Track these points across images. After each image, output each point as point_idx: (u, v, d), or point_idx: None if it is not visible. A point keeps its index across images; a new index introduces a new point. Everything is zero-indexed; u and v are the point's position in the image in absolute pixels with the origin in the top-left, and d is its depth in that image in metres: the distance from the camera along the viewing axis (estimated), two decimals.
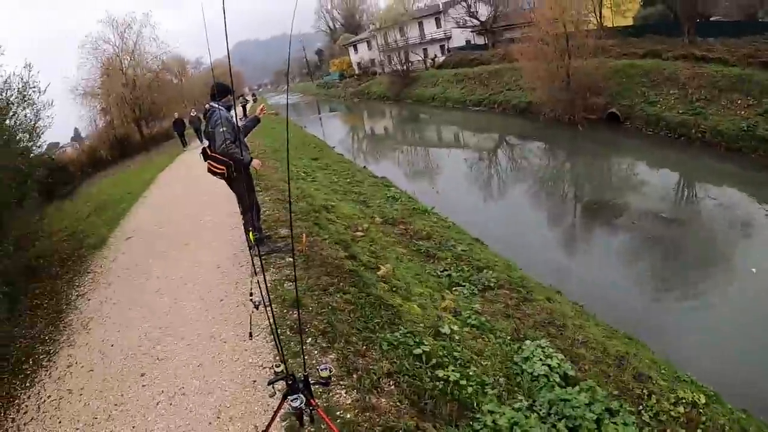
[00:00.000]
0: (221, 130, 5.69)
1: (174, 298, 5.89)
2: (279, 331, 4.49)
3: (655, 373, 6.05)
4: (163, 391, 4.12)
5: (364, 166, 20.15)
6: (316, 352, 4.17)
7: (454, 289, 7.68)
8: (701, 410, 5.34)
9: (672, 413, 5.21)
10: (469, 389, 4.33)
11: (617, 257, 11.22)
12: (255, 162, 5.95)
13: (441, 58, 48.65)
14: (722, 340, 7.82)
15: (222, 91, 6.14)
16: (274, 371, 2.55)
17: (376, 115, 46.01)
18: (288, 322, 4.63)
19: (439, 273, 8.33)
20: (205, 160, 5.97)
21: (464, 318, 6.37)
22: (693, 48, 23.43)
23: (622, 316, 8.25)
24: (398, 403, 3.74)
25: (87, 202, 16.18)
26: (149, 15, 31.33)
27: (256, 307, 4.87)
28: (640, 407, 5.16)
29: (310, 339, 4.36)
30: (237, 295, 5.49)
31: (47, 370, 5.02)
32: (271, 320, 2.64)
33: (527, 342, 5.80)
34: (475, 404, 4.20)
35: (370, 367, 4.08)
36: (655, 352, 6.98)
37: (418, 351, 4.58)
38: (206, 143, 6.22)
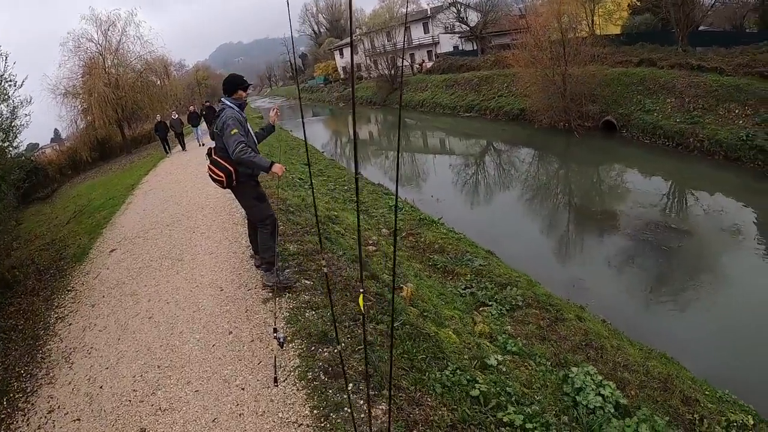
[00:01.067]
0: (232, 132, 4.74)
1: (171, 328, 4.98)
2: (311, 375, 3.72)
3: (700, 395, 5.72)
4: None
5: (360, 173, 19.35)
6: (361, 402, 3.38)
7: (481, 309, 7.05)
8: None
9: None
10: None
11: (621, 265, 10.81)
12: (277, 167, 4.79)
13: (429, 64, 48.18)
14: (733, 345, 7.65)
15: (232, 84, 5.11)
16: None
17: (361, 120, 45.17)
18: (319, 363, 3.82)
19: (462, 291, 7.67)
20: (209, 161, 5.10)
21: (502, 344, 5.76)
22: (688, 57, 23.21)
23: (635, 325, 8.00)
24: None
25: (66, 206, 15.18)
26: (134, 13, 30.22)
27: (281, 345, 4.10)
28: None
29: (351, 385, 3.57)
30: (249, 327, 4.61)
31: (24, 415, 4.17)
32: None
33: (574, 369, 5.29)
34: None
35: (430, 418, 3.33)
36: (685, 367, 6.68)
37: (474, 392, 3.91)
38: (212, 143, 5.36)
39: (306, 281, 5.44)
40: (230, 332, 4.60)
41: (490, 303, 7.26)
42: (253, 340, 4.36)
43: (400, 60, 50.21)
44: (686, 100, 20.50)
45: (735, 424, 5.08)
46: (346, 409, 3.26)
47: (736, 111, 18.59)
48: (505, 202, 16.93)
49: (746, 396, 5.98)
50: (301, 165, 16.99)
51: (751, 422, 5.17)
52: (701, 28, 29.88)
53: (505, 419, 3.75)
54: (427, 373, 3.92)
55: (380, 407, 3.34)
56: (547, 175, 20.06)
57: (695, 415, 5.16)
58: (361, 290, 1.90)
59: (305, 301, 4.93)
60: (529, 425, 3.78)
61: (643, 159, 19.50)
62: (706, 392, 5.89)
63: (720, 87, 19.83)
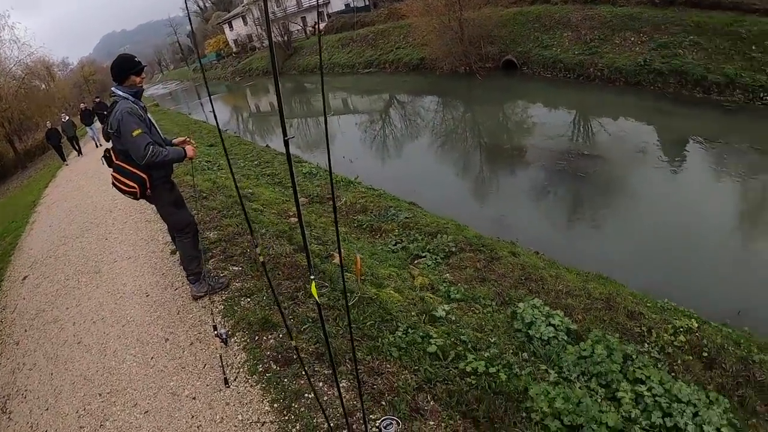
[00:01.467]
0: (135, 134, 3.85)
1: (103, 349, 4.56)
2: (261, 367, 3.55)
3: (642, 308, 5.95)
4: None
5: (267, 145, 18.67)
6: (321, 383, 3.27)
7: (416, 262, 7.06)
8: (697, 334, 5.30)
9: (675, 344, 5.15)
10: (502, 376, 3.78)
11: (541, 197, 11.20)
12: (189, 150, 4.29)
13: (321, 25, 47.28)
14: (659, 255, 8.10)
15: (121, 69, 4.10)
16: None
17: (259, 92, 44.06)
18: (267, 353, 3.65)
19: (393, 247, 7.65)
20: (111, 169, 4.24)
21: (444, 293, 5.80)
22: None
23: (566, 251, 8.32)
24: (450, 421, 3.03)
25: None
26: (6, 15, 27.40)
27: (225, 342, 3.89)
28: (646, 345, 5.07)
29: (307, 368, 3.43)
30: (185, 329, 4.32)
31: None
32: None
33: (520, 305, 5.39)
34: (518, 391, 3.67)
35: (395, 384, 3.28)
36: (623, 284, 6.89)
37: (431, 348, 3.91)
38: (107, 144, 4.47)
39: (234, 267, 5.20)
40: (166, 339, 4.29)
41: (424, 254, 7.28)
42: (192, 343, 4.09)
43: (295, 25, 48.80)
44: (583, 32, 21.38)
45: (681, 329, 5.32)
46: (306, 395, 3.15)
47: (632, 39, 19.57)
48: (418, 152, 16.97)
49: (682, 300, 6.32)
50: (205, 147, 16.14)
51: (696, 325, 5.41)
52: None
53: (468, 369, 3.77)
54: (379, 339, 3.86)
55: (341, 384, 3.25)
56: (455, 120, 20.36)
57: (643, 328, 5.39)
58: (312, 277, 1.74)
59: (237, 289, 4.71)
60: (492, 369, 3.83)
61: (546, 93, 20.23)
62: (648, 304, 6.13)
63: (614, 17, 20.77)
